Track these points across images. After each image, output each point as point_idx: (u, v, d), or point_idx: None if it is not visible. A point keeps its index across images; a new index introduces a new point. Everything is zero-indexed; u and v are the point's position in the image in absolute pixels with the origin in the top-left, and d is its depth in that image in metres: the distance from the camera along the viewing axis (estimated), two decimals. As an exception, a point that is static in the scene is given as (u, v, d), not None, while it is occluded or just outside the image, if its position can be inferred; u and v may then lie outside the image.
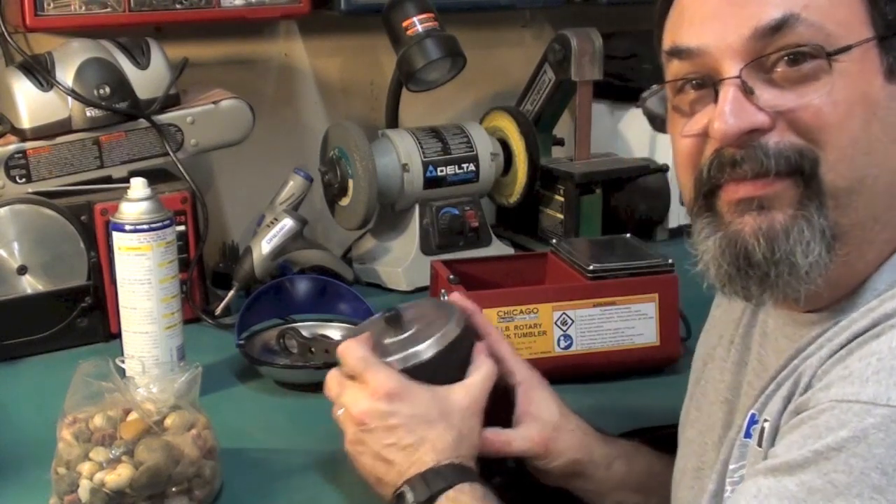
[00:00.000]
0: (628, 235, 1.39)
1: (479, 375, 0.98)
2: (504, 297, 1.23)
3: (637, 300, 1.25)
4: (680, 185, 0.86)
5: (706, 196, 0.81)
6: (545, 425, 1.01)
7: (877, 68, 0.76)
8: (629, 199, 1.75)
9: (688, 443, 0.97)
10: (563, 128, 1.89)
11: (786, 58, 0.76)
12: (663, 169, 1.78)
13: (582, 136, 1.75)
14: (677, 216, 1.82)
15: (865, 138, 0.76)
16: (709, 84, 0.79)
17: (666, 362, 1.28)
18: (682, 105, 0.83)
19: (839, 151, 0.75)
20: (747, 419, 0.83)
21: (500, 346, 1.04)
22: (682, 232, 1.84)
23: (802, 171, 0.76)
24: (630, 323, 1.25)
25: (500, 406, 1.00)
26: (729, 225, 0.80)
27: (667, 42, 0.86)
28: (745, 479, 0.76)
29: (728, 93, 0.77)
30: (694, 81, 0.81)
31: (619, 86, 1.87)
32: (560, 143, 1.88)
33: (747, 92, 0.77)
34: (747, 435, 0.82)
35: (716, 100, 0.78)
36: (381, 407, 0.94)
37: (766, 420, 0.79)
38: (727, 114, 0.77)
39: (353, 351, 0.98)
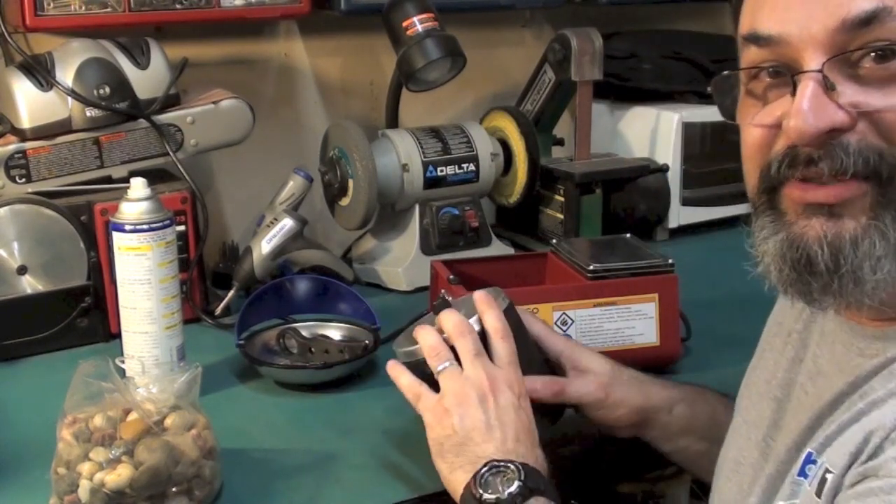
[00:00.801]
0: (628, 235, 1.39)
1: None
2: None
3: (637, 300, 1.24)
4: (745, 175, 0.82)
5: (769, 192, 0.77)
6: (598, 375, 1.05)
7: None
8: (629, 199, 1.75)
9: (734, 429, 0.94)
10: (563, 128, 1.89)
11: (873, 54, 0.71)
12: (663, 169, 1.78)
13: (582, 136, 1.75)
14: (677, 216, 1.82)
15: None
16: (786, 73, 0.74)
17: (666, 362, 1.27)
18: (756, 90, 0.78)
19: None
20: (803, 457, 0.78)
21: (533, 326, 1.07)
22: (682, 232, 1.84)
23: (881, 176, 0.71)
24: (630, 323, 1.24)
25: None
26: (792, 226, 0.76)
27: (744, 26, 0.78)
28: None
29: (807, 87, 0.72)
30: (771, 69, 0.76)
31: (619, 86, 1.87)
32: (560, 143, 1.88)
33: (828, 88, 0.72)
34: (802, 474, 0.78)
35: (793, 92, 0.73)
36: (514, 397, 0.94)
37: (828, 471, 0.74)
38: (806, 111, 0.72)
39: (509, 337, 0.98)
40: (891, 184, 0.71)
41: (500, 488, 0.87)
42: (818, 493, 0.75)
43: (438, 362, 0.97)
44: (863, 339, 0.78)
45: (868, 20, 0.70)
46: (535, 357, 1.05)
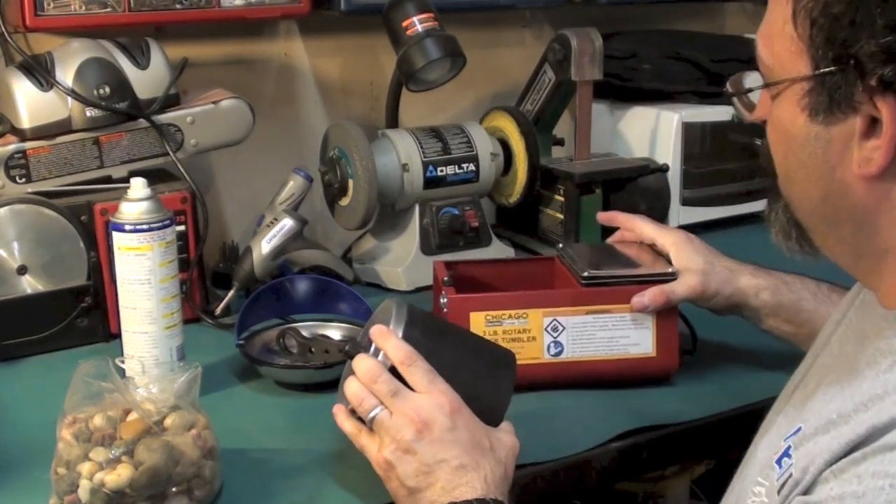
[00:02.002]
0: (640, 242, 1.35)
1: (511, 428, 0.99)
2: (491, 302, 1.21)
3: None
4: None
5: None
6: (696, 273, 1.21)
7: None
8: (629, 199, 1.75)
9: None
10: (563, 128, 1.89)
11: None
12: (663, 169, 1.78)
13: (582, 136, 1.75)
14: (677, 216, 1.82)
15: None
16: None
17: (661, 374, 1.25)
18: None
19: None
20: (784, 447, 0.80)
21: (638, 226, 1.31)
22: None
23: None
24: (625, 332, 1.22)
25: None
26: None
27: None
28: None
29: None
30: None
31: (619, 86, 1.87)
32: (560, 143, 1.88)
33: None
34: (779, 462, 0.80)
35: None
36: (445, 419, 0.93)
37: (790, 476, 0.77)
38: None
39: (413, 358, 0.96)
40: None
41: None
42: (778, 492, 0.78)
43: (366, 412, 0.96)
44: (884, 318, 0.80)
45: None
46: (465, 340, 1.04)
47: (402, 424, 0.93)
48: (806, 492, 0.75)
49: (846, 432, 0.73)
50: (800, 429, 0.79)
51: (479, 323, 1.20)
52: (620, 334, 1.22)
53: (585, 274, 1.23)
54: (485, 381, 1.00)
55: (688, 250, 1.25)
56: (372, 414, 0.95)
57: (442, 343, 0.99)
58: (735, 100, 0.88)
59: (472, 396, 0.97)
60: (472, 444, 0.93)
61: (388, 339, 0.97)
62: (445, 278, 1.25)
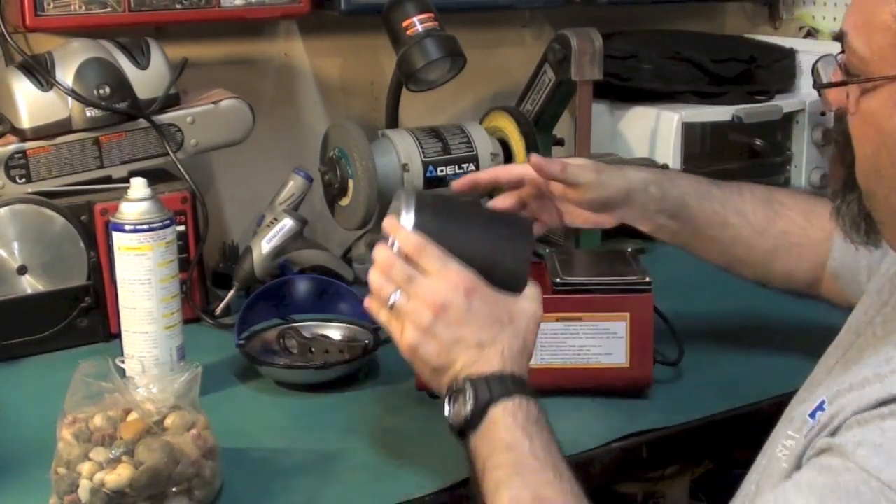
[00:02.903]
0: (629, 249, 1.33)
1: (537, 289, 1.00)
2: None
3: (605, 318, 1.19)
4: None
5: None
6: (586, 164, 1.17)
7: None
8: (629, 199, 1.75)
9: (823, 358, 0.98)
10: (563, 128, 1.89)
11: None
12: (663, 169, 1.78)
13: (582, 136, 1.75)
14: (677, 216, 1.82)
15: None
16: None
17: (635, 386, 1.21)
18: None
19: None
20: (819, 401, 0.82)
21: (501, 173, 1.22)
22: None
23: None
24: (597, 341, 1.19)
25: None
26: None
27: None
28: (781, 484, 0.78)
29: None
30: None
31: (619, 86, 1.87)
32: (560, 143, 1.87)
33: None
34: (812, 415, 0.82)
35: None
36: (461, 299, 0.95)
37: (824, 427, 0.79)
38: None
39: (422, 247, 0.97)
40: None
41: (461, 413, 0.92)
42: (806, 436, 0.81)
43: (385, 300, 0.98)
44: None
45: None
46: (478, 213, 1.06)
47: (419, 309, 0.96)
48: (831, 435, 0.77)
49: (878, 389, 0.75)
50: (837, 390, 0.81)
51: None
52: (592, 343, 1.19)
53: (557, 280, 1.20)
54: (501, 250, 1.00)
55: (574, 158, 1.22)
56: (391, 301, 0.97)
57: (453, 222, 1.01)
58: (815, 81, 0.87)
59: (490, 267, 0.98)
60: (490, 321, 0.95)
61: (398, 230, 0.99)
62: None
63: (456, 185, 1.21)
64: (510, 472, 0.87)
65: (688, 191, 1.20)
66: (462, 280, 0.96)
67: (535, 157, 1.16)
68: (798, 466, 0.80)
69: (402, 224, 0.99)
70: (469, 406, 0.91)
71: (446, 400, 0.94)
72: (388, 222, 1.00)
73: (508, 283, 0.99)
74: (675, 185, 1.20)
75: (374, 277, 0.99)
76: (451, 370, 0.95)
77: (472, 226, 1.02)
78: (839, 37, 0.81)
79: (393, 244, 0.99)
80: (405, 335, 0.96)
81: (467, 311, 0.95)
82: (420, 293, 0.96)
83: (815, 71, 0.88)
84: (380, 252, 0.99)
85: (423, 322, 0.95)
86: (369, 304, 1.01)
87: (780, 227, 1.23)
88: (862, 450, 0.71)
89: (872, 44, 0.77)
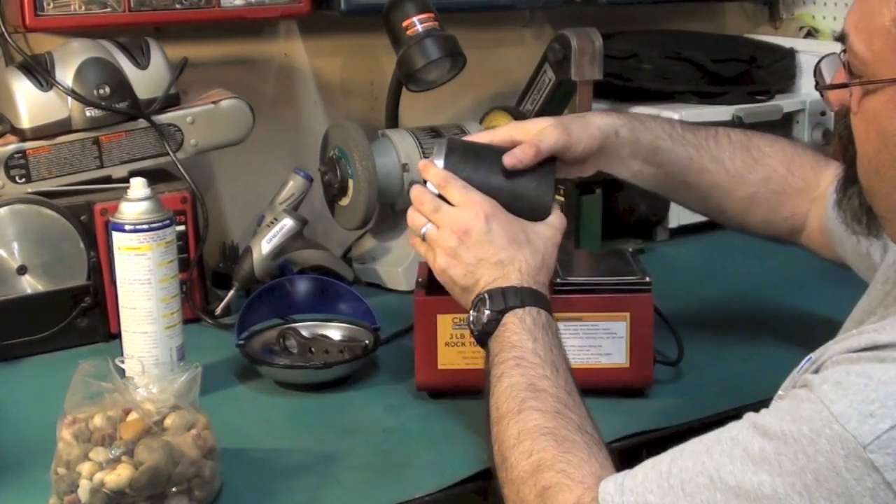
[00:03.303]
0: (630, 249, 1.34)
1: (559, 216, 1.11)
2: (458, 305, 1.16)
3: (605, 318, 1.19)
4: None
5: None
6: (553, 126, 1.15)
7: None
8: (629, 199, 1.75)
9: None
10: (563, 128, 1.89)
11: None
12: (663, 169, 1.77)
13: (582, 136, 1.75)
14: (677, 216, 1.82)
15: None
16: None
17: (635, 386, 1.22)
18: None
19: None
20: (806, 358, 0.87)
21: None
22: (682, 232, 1.84)
23: None
24: (597, 341, 1.19)
25: None
26: None
27: None
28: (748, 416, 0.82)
29: None
30: None
31: (619, 86, 1.87)
32: (560, 142, 1.88)
33: None
34: (799, 370, 0.87)
35: None
36: (481, 224, 1.06)
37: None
38: None
39: (448, 179, 1.09)
40: None
41: (480, 320, 1.04)
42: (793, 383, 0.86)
43: (418, 230, 1.10)
44: None
45: None
46: (502, 154, 1.12)
47: (445, 235, 1.07)
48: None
49: (856, 339, 0.79)
50: (810, 357, 0.86)
51: (446, 325, 1.19)
52: (592, 343, 1.19)
53: (557, 280, 1.20)
54: (524, 185, 1.11)
55: (537, 119, 1.21)
56: (423, 231, 1.09)
57: (480, 162, 1.11)
58: (818, 81, 0.90)
59: (515, 198, 1.10)
60: (509, 241, 1.06)
61: (428, 168, 1.11)
62: (420, 280, 1.22)
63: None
64: (512, 365, 0.98)
65: (660, 135, 1.21)
66: (482, 206, 1.07)
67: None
68: None
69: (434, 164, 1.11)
70: (486, 314, 1.03)
71: (471, 311, 1.05)
72: (421, 164, 1.13)
73: (533, 213, 1.10)
74: (646, 128, 1.21)
75: (410, 212, 1.11)
76: (477, 287, 1.05)
77: (496, 165, 1.11)
78: (841, 37, 0.82)
79: (425, 183, 1.11)
80: (437, 261, 1.08)
81: (487, 234, 1.06)
82: (445, 221, 1.08)
83: (817, 70, 0.89)
84: (413, 191, 1.11)
85: (450, 247, 1.07)
86: (412, 241, 1.13)
87: (760, 174, 1.24)
88: (826, 385, 0.76)
89: (873, 46, 0.78)
